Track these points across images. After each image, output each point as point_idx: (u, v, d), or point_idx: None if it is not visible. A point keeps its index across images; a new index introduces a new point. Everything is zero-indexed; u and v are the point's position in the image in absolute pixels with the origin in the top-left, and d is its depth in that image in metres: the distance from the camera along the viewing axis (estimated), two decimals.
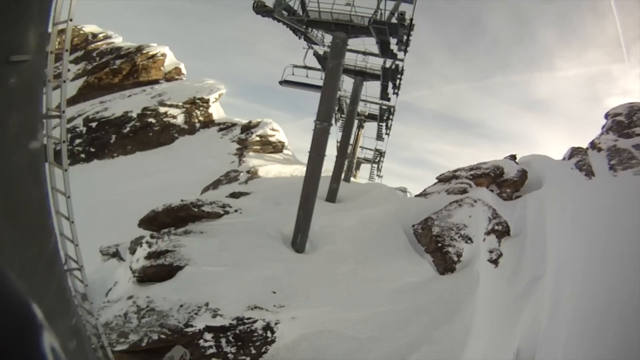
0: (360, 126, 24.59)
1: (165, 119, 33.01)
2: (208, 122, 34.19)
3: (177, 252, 11.58)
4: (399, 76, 17.85)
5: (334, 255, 12.44)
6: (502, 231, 16.52)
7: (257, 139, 30.56)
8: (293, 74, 11.65)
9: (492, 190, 21.37)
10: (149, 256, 11.97)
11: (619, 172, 21.90)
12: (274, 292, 10.25)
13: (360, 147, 29.21)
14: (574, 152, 24.74)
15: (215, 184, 23.11)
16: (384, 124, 24.59)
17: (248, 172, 23.88)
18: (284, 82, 11.52)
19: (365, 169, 38.58)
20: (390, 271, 11.97)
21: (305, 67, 11.25)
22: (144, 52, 40.60)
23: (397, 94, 19.54)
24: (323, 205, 16.01)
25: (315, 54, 14.95)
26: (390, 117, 23.30)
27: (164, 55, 41.03)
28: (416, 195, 23.65)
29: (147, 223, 14.21)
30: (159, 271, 11.29)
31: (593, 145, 24.64)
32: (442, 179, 22.96)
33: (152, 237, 13.40)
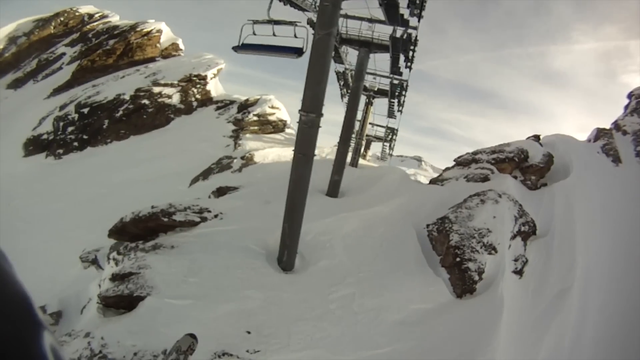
0: (369, 103, 21.96)
1: (159, 100, 30.75)
2: (206, 101, 31.55)
3: (140, 275, 9.72)
4: (412, 47, 15.39)
5: (328, 275, 10.37)
6: (528, 232, 14.13)
7: (255, 118, 27.75)
8: (254, 34, 8.14)
9: (515, 177, 18.74)
10: (114, 278, 10.36)
11: None
12: (249, 332, 8.30)
13: (370, 123, 26.71)
14: (600, 133, 22.58)
15: (206, 174, 21.07)
16: (395, 101, 21.83)
17: (243, 158, 21.67)
18: (240, 48, 8.30)
19: (376, 146, 36.00)
20: (396, 295, 9.84)
21: (271, 21, 7.79)
22: (138, 29, 37.96)
23: (410, 67, 16.95)
24: (322, 203, 13.84)
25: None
26: (403, 92, 20.56)
27: (159, 31, 38.27)
28: (431, 181, 21.21)
29: (116, 234, 12.37)
30: (119, 301, 9.53)
31: (617, 127, 22.65)
32: (461, 162, 20.31)
33: (118, 253, 11.66)
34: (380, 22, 14.71)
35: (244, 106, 29.64)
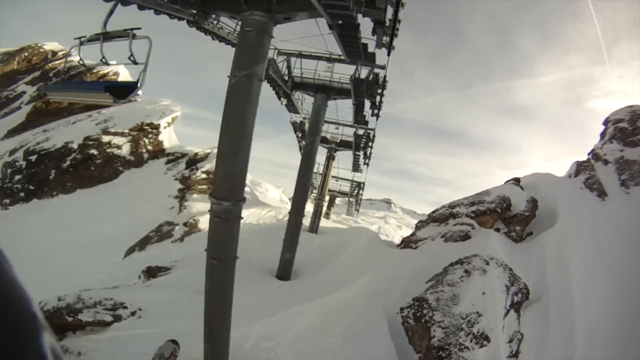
0: (330, 157, 19.61)
1: (108, 150, 27.86)
2: (157, 152, 28.48)
3: None
4: (379, 91, 12.82)
5: None
6: (521, 300, 11.90)
7: (204, 176, 23.93)
8: (82, 63, 4.81)
9: (498, 229, 16.79)
10: None
11: (631, 188, 19.22)
12: None
13: (334, 177, 24.39)
14: (580, 167, 21.29)
15: (143, 243, 18.04)
16: (361, 153, 19.70)
17: (186, 224, 18.85)
18: (50, 89, 5.59)
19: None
20: None
21: (100, 35, 4.75)
22: (94, 71, 35.70)
23: (377, 115, 14.02)
24: (268, 292, 11.22)
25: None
26: (370, 144, 18.39)
27: (116, 74, 36.10)
28: (404, 241, 18.92)
29: None
30: None
31: (596, 156, 21.49)
32: (437, 218, 18.14)
33: None
34: (340, 60, 12.52)
35: (192, 161, 26.05)
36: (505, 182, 22.20)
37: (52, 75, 39.86)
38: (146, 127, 29.18)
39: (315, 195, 19.04)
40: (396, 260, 13.95)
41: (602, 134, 23.24)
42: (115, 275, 15.48)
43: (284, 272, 12.26)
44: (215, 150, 22.93)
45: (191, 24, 7.72)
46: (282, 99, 14.90)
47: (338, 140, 19.44)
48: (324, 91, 13.93)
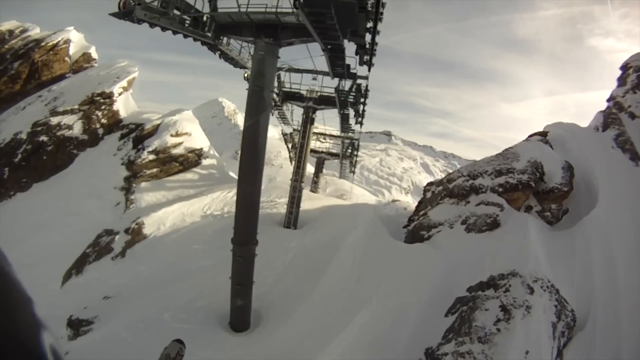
0: (308, 120, 15.17)
1: (59, 133, 23.45)
2: (113, 125, 23.46)
3: None
4: (362, 100, 14.18)
5: None
6: (568, 340, 8.08)
7: (152, 157, 18.74)
8: None
9: (529, 207, 12.46)
10: None
11: None
12: None
13: (320, 134, 21.32)
14: (608, 119, 17.34)
15: (80, 264, 14.10)
16: (350, 110, 15.81)
17: (128, 230, 14.70)
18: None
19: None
20: None
21: None
22: (43, 44, 29.98)
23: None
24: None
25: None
26: (362, 100, 14.53)
27: (67, 42, 30.09)
28: (410, 221, 14.91)
29: None
30: None
31: (619, 106, 18.15)
32: (455, 193, 13.75)
33: None
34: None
35: (139, 139, 20.51)
36: (530, 137, 17.94)
37: (8, 57, 33.94)
38: (97, 98, 24.15)
39: (292, 175, 14.75)
40: (402, 271, 10.10)
41: (620, 80, 19.32)
42: (53, 314, 12.08)
43: (239, 321, 8.63)
44: (166, 119, 18.02)
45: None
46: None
47: (316, 96, 14.82)
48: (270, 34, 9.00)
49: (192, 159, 19.90)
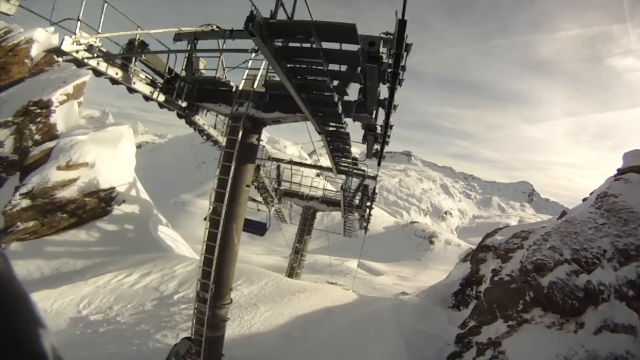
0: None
1: None
2: (47, 142, 19.19)
3: None
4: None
5: None
6: None
7: (27, 203, 13.18)
8: None
9: None
10: None
11: None
12: None
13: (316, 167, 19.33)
14: None
15: None
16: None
17: None
18: None
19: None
20: None
21: None
22: (3, 44, 25.81)
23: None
24: None
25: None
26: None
27: (29, 42, 25.74)
28: (461, 337, 9.52)
29: None
30: None
31: None
32: (555, 303, 7.04)
33: None
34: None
35: (24, 171, 15.30)
36: (621, 174, 11.67)
37: None
38: (33, 108, 19.34)
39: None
40: None
41: None
42: None
43: None
44: (63, 141, 14.54)
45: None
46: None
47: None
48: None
49: (93, 206, 13.64)
